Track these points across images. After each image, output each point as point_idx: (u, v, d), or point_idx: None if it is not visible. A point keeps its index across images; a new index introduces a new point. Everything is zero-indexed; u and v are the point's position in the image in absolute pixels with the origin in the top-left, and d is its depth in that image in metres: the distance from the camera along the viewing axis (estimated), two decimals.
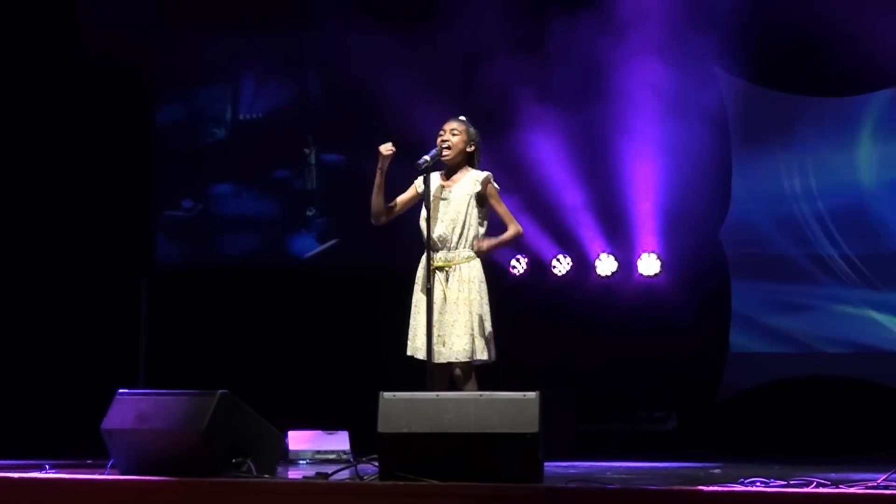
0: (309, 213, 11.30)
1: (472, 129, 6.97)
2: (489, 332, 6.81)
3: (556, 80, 10.55)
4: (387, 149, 6.76)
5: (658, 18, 10.23)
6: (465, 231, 6.85)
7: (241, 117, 11.28)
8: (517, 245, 10.80)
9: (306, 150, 11.25)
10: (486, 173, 6.90)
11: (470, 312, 6.76)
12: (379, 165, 6.79)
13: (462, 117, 7.00)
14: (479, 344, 6.76)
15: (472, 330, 6.75)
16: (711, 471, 7.42)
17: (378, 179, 6.84)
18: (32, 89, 10.76)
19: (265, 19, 11.00)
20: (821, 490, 5.31)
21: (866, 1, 10.12)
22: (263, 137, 11.21)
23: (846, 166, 10.80)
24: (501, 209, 6.90)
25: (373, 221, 7.00)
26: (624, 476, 6.90)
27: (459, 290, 6.78)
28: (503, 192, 7.08)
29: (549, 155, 10.75)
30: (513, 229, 6.90)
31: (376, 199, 6.90)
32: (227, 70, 11.34)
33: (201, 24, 11.17)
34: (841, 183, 10.80)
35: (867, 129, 10.79)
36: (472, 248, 6.85)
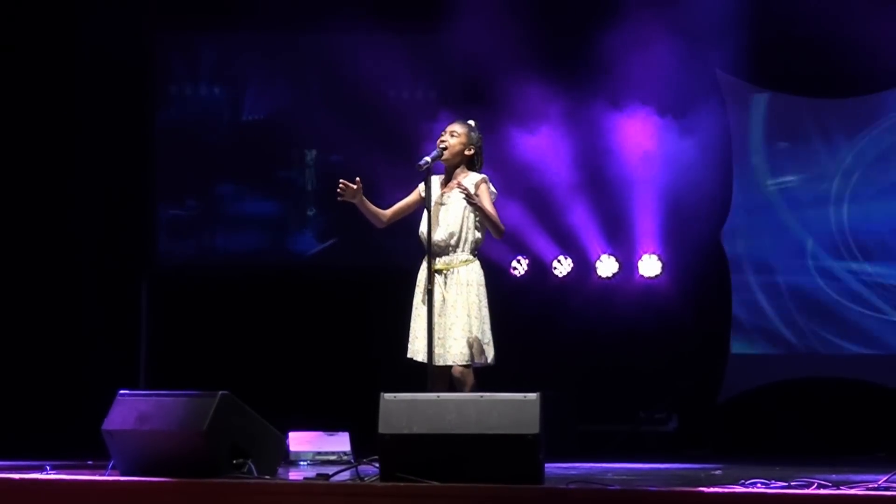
0: (310, 213, 11.30)
1: (473, 133, 6.97)
2: (488, 336, 6.82)
3: (558, 82, 10.55)
4: (340, 190, 6.82)
5: (659, 19, 10.23)
6: (464, 236, 6.86)
7: (242, 117, 11.28)
8: (514, 245, 10.82)
9: (307, 151, 11.26)
10: (481, 176, 6.90)
11: (468, 315, 6.77)
12: (350, 200, 6.86)
13: (470, 121, 7.00)
14: (477, 348, 6.77)
15: (471, 333, 6.76)
16: (712, 472, 7.42)
17: (359, 208, 6.93)
18: (33, 89, 10.75)
19: (266, 20, 10.99)
20: (821, 491, 5.31)
21: (867, 1, 10.12)
22: (265, 137, 11.21)
23: (847, 167, 10.80)
24: (488, 209, 6.81)
25: (377, 226, 7.05)
26: (625, 477, 6.90)
27: (458, 293, 6.79)
28: (502, 194, 7.08)
29: (550, 156, 10.75)
30: (499, 224, 6.86)
31: (369, 218, 7.01)
32: (228, 70, 11.34)
33: (203, 24, 11.17)
34: (842, 184, 10.80)
35: (868, 129, 10.78)
36: (471, 251, 6.86)
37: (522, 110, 10.51)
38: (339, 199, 6.89)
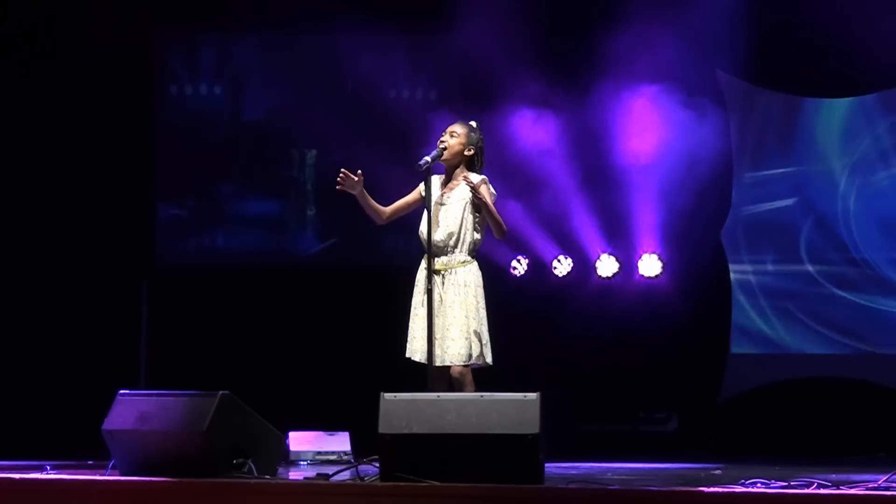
0: (310, 213, 11.30)
1: (474, 134, 6.95)
2: (486, 337, 6.80)
3: (557, 83, 10.55)
4: (340, 179, 6.78)
5: (659, 20, 10.23)
6: (462, 236, 6.85)
7: (242, 117, 11.27)
8: (514, 244, 10.82)
9: (307, 151, 11.26)
10: (481, 177, 6.89)
11: (466, 316, 6.76)
12: (350, 192, 6.84)
13: (472, 122, 6.98)
14: (475, 348, 6.75)
15: (468, 334, 6.75)
16: (712, 472, 7.43)
17: (363, 201, 6.90)
18: (33, 89, 10.75)
19: (266, 20, 10.99)
20: (822, 491, 5.32)
21: (866, 1, 10.13)
22: (265, 137, 11.20)
23: (848, 167, 10.80)
24: (489, 208, 6.80)
25: (376, 223, 7.06)
26: (625, 477, 6.91)
27: (455, 294, 6.78)
28: (502, 195, 7.08)
29: (550, 156, 10.75)
30: (501, 223, 6.86)
31: (369, 213, 6.99)
32: (228, 70, 11.34)
33: (203, 24, 11.18)
34: (842, 183, 10.81)
35: (870, 129, 10.79)
36: (469, 253, 6.86)
37: (522, 110, 10.51)
38: (338, 188, 6.86)
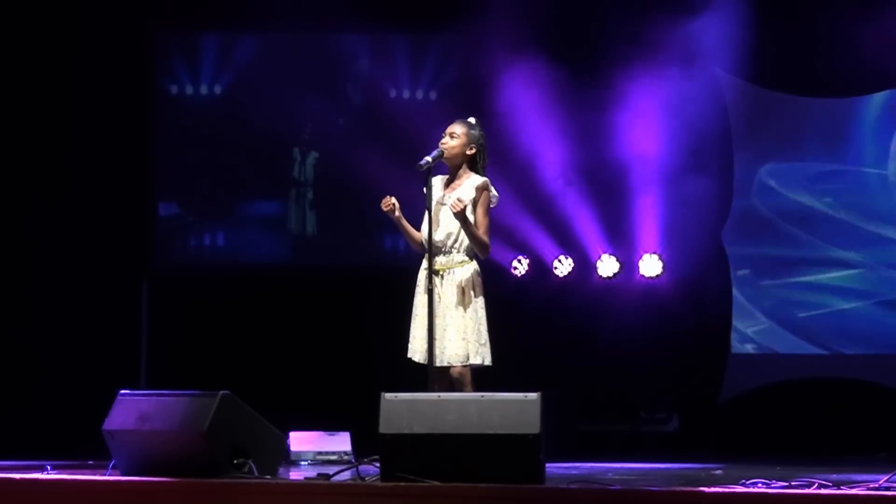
0: (309, 213, 11.30)
1: (474, 132, 6.90)
2: (484, 337, 6.77)
3: (558, 82, 10.56)
4: (386, 204, 6.76)
5: (660, 19, 10.24)
6: (460, 237, 6.82)
7: (242, 117, 11.25)
8: (514, 244, 10.82)
9: (307, 151, 11.26)
10: (483, 179, 6.85)
11: (463, 317, 6.75)
12: (391, 216, 6.80)
13: (471, 119, 6.95)
14: (473, 348, 6.74)
15: (465, 334, 6.73)
16: (713, 472, 7.43)
17: (399, 226, 6.85)
18: (33, 88, 10.76)
19: (267, 20, 10.99)
20: (822, 491, 5.31)
21: (866, 2, 10.13)
22: (265, 137, 11.19)
23: (847, 166, 10.80)
24: (480, 217, 6.75)
25: (421, 252, 6.98)
26: (625, 477, 6.91)
27: (453, 295, 6.77)
28: (503, 195, 7.06)
29: (552, 156, 10.75)
30: (485, 238, 6.80)
31: (409, 240, 6.94)
32: (228, 70, 11.34)
33: (203, 24, 11.18)
34: (842, 183, 10.81)
35: (867, 129, 10.79)
36: (467, 253, 6.83)
37: (523, 110, 10.51)
38: (383, 208, 6.81)
